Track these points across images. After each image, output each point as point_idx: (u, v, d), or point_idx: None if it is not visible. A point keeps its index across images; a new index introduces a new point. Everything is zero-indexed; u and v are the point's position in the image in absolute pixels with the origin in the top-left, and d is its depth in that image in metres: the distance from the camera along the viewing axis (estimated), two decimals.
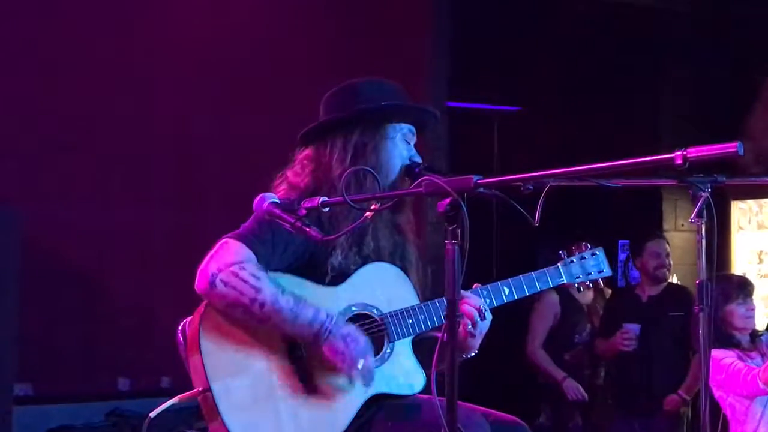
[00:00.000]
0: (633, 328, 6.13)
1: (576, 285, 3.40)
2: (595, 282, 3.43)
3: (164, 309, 5.71)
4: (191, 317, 3.03)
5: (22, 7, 6.00)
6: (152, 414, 2.98)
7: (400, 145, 3.23)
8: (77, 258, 6.09)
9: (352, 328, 2.99)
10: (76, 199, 6.08)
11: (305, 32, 6.63)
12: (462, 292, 3.11)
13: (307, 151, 3.24)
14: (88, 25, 6.14)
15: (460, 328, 3.09)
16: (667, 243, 6.32)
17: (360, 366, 2.95)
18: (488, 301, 3.19)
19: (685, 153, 2.20)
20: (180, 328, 3.12)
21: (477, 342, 3.15)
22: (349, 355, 2.94)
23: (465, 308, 3.08)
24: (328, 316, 2.95)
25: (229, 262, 2.92)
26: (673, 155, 2.21)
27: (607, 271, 3.42)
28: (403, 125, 3.25)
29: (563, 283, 3.35)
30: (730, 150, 2.13)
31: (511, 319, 3.48)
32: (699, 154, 2.19)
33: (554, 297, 6.54)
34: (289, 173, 3.21)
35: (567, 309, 6.62)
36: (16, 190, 5.80)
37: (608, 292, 6.87)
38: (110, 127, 6.19)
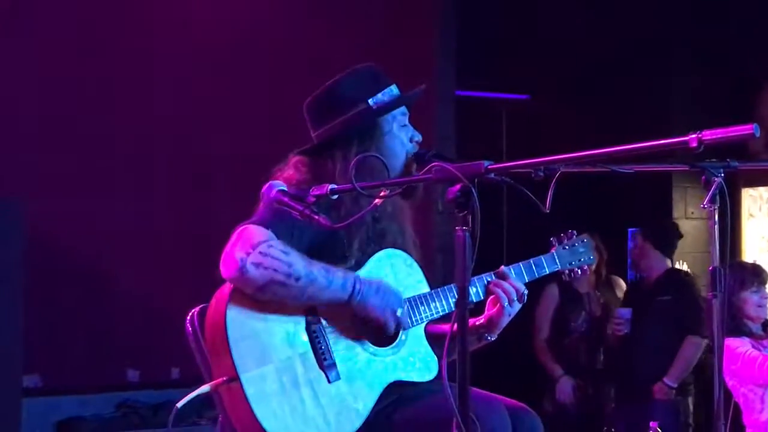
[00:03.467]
0: (623, 313, 6.27)
1: (567, 272, 3.40)
2: (583, 269, 3.42)
3: (172, 300, 5.66)
4: (211, 304, 2.98)
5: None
6: (179, 404, 2.90)
7: (398, 134, 3.19)
8: (85, 249, 6.08)
9: (381, 283, 3.02)
10: (83, 191, 6.07)
11: (309, 24, 6.61)
12: (503, 269, 3.19)
13: (302, 158, 3.19)
14: (92, 17, 6.13)
15: (497, 308, 3.15)
16: None
17: (399, 314, 3.02)
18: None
19: (700, 136, 2.16)
20: (189, 318, 3.10)
21: (504, 323, 3.18)
22: (387, 306, 2.99)
23: (505, 287, 3.13)
24: (356, 278, 2.98)
25: (255, 243, 2.88)
26: (687, 138, 2.17)
27: (593, 259, 3.45)
28: (395, 111, 3.20)
29: (558, 270, 3.37)
30: (746, 132, 2.08)
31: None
32: (714, 136, 2.14)
33: (554, 290, 6.65)
34: (286, 174, 3.14)
35: (564, 297, 6.70)
36: (20, 182, 5.79)
37: (621, 282, 6.88)
38: (114, 120, 6.18)
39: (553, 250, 3.37)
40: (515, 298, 3.15)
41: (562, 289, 6.64)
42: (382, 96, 3.18)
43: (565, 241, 3.39)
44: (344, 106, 3.16)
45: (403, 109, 3.22)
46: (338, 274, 2.95)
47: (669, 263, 6.44)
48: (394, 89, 3.21)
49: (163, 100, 6.32)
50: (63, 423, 5.89)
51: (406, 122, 3.23)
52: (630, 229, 7.50)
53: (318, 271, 2.91)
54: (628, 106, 7.37)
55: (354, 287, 2.95)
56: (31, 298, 5.40)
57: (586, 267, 3.41)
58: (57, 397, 5.92)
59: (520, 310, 3.23)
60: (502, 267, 3.23)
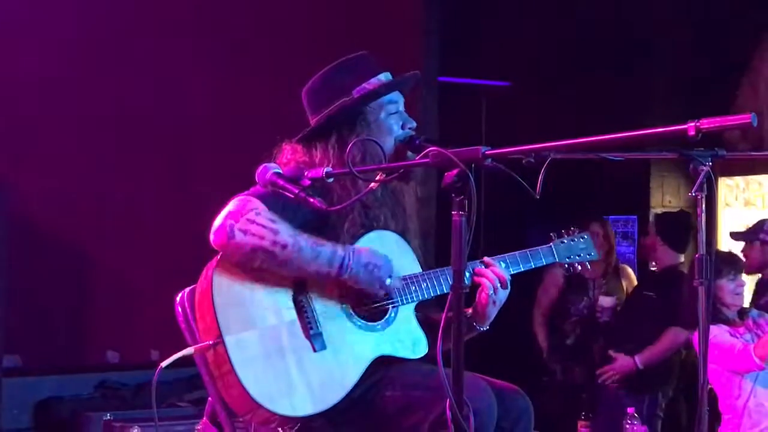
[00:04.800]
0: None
1: (566, 265, 3.44)
2: (583, 265, 3.46)
3: (153, 282, 5.70)
4: (201, 274, 3.01)
5: None
6: (164, 363, 2.93)
7: (387, 121, 3.19)
8: (67, 231, 6.08)
9: (371, 256, 3.02)
10: (66, 172, 6.05)
11: (289, 11, 6.63)
12: (486, 258, 3.19)
13: (294, 145, 3.21)
14: (88, 13, 6.13)
15: (482, 296, 3.15)
16: None
17: (389, 283, 3.04)
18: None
19: (698, 124, 2.18)
20: (178, 300, 3.11)
21: (494, 312, 3.18)
22: (376, 281, 3.01)
23: (488, 275, 3.13)
24: (345, 251, 2.99)
25: (244, 210, 2.92)
26: (686, 126, 2.19)
27: (594, 255, 3.49)
28: (382, 99, 3.19)
29: (554, 263, 3.41)
30: (744, 121, 2.11)
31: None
32: (712, 125, 2.16)
33: (558, 270, 6.63)
34: (282, 159, 3.16)
35: (570, 281, 6.68)
36: (3, 163, 5.76)
37: (630, 272, 6.93)
38: (100, 101, 6.16)
39: (552, 244, 3.39)
40: (498, 286, 3.15)
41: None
42: (368, 85, 3.18)
43: (565, 237, 3.42)
44: (332, 96, 3.18)
45: (392, 96, 3.21)
46: (326, 247, 2.97)
47: (680, 257, 6.34)
48: (383, 78, 3.21)
49: (152, 81, 6.31)
50: (42, 403, 5.88)
51: (398, 109, 3.22)
52: (606, 218, 7.55)
53: (305, 241, 2.94)
54: (608, 94, 7.40)
55: (343, 262, 2.96)
56: (11, 279, 5.39)
57: (587, 263, 3.45)
58: (36, 377, 5.91)
59: (516, 296, 3.25)
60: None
